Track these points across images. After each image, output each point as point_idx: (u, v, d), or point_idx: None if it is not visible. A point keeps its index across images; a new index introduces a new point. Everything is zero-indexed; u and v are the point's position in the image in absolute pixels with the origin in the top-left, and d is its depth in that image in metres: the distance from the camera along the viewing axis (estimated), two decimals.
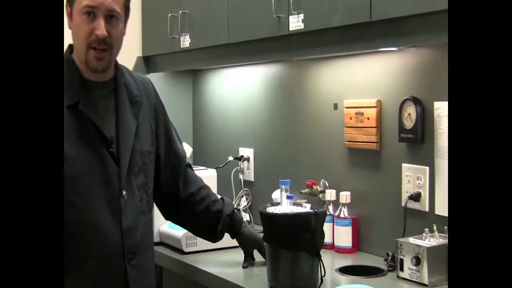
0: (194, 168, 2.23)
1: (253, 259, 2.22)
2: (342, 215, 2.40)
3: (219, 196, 2.19)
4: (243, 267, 2.18)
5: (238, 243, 2.22)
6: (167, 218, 2.18)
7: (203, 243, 2.32)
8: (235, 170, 2.99)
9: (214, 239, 2.18)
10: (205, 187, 2.16)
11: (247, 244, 2.20)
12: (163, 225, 2.49)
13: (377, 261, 2.22)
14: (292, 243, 1.91)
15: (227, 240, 2.22)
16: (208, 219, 2.12)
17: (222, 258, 2.31)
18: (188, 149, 2.80)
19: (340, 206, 2.41)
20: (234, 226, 2.16)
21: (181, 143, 2.12)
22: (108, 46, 1.76)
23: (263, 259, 2.18)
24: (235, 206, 2.42)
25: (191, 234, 2.29)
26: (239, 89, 3.08)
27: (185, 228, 2.21)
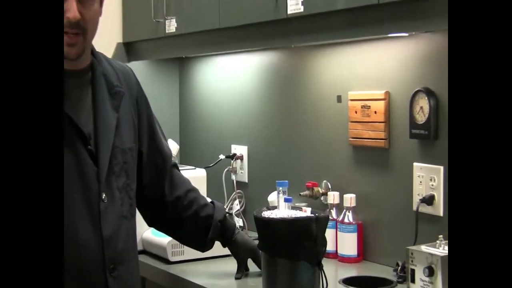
0: (180, 168, 2.22)
1: (247, 269, 2.22)
2: (346, 220, 2.40)
3: (209, 200, 2.18)
4: (236, 278, 2.18)
5: (231, 251, 2.21)
6: (150, 224, 2.17)
7: (191, 252, 2.32)
8: (227, 170, 2.99)
9: (203, 248, 2.17)
10: (193, 189, 2.16)
11: (240, 252, 2.20)
12: (146, 232, 2.49)
13: (386, 272, 2.23)
14: (290, 251, 1.92)
15: (218, 248, 2.22)
16: (196, 225, 2.12)
17: (213, 268, 2.31)
18: (174, 147, 2.79)
19: (344, 210, 2.41)
20: (226, 233, 2.16)
21: (166, 140, 2.11)
22: (81, 30, 1.74)
23: (258, 269, 2.18)
24: (227, 210, 2.42)
25: (177, 242, 2.28)
26: (231, 79, 3.08)
27: (170, 235, 2.21)
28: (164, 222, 2.14)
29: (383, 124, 2.33)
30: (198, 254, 2.29)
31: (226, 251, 2.23)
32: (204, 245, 2.16)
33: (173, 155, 2.78)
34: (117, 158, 1.83)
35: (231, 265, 2.24)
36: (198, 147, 3.31)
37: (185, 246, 2.32)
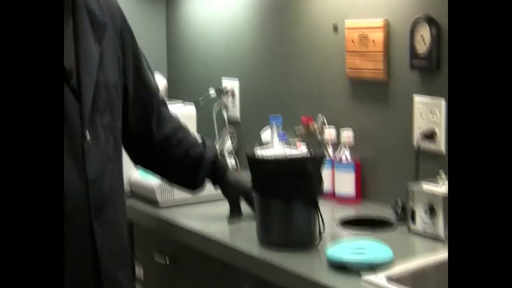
0: (168, 103, 2.21)
1: (241, 212, 2.22)
2: (343, 158, 2.40)
3: (199, 138, 2.17)
4: (229, 223, 2.18)
5: (222, 192, 2.22)
6: (137, 163, 2.16)
7: (181, 195, 2.33)
8: (217, 105, 2.98)
9: (193, 189, 2.18)
10: (183, 127, 2.15)
11: (232, 193, 2.20)
12: (134, 173, 2.49)
13: (385, 212, 2.23)
14: (284, 191, 1.92)
15: (209, 190, 2.22)
16: (186, 165, 2.13)
17: (204, 212, 2.32)
18: (161, 81, 2.78)
19: (341, 148, 2.41)
20: (217, 173, 2.16)
21: (153, 75, 2.09)
22: None
23: (251, 212, 2.18)
24: (218, 148, 2.41)
25: (167, 184, 2.28)
26: (221, 9, 3.06)
27: (159, 176, 2.21)
28: (152, 162, 2.14)
29: (381, 54, 2.31)
30: (188, 197, 2.30)
31: (218, 194, 2.23)
32: (194, 186, 2.17)
33: (160, 90, 2.77)
34: (101, 94, 1.81)
35: (223, 208, 2.24)
36: (186, 81, 3.30)
37: (175, 189, 2.33)
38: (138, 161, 2.15)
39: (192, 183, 2.16)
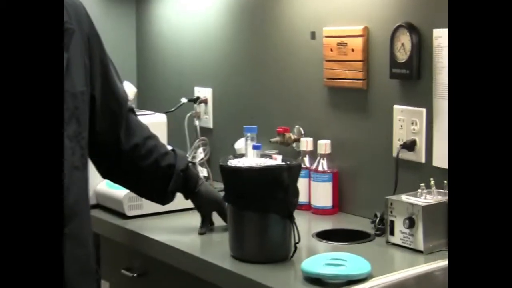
0: (138, 113, 2.22)
1: (212, 223, 2.24)
2: (320, 168, 2.42)
3: (169, 148, 2.19)
4: (200, 234, 2.20)
5: (194, 204, 2.23)
6: (105, 176, 2.17)
7: (150, 206, 2.33)
8: (190, 115, 2.99)
9: (163, 201, 2.19)
10: (153, 136, 2.16)
11: (204, 205, 2.22)
12: (100, 184, 2.49)
13: (363, 224, 2.25)
14: (259, 203, 1.92)
15: (180, 201, 2.22)
16: (156, 176, 2.13)
17: (174, 223, 2.33)
18: (131, 90, 2.78)
19: (318, 158, 2.43)
20: (188, 184, 2.17)
21: (122, 83, 2.10)
22: None
23: (224, 223, 2.20)
24: (189, 159, 2.43)
25: (135, 195, 2.29)
26: (194, 14, 3.06)
27: (127, 188, 2.21)
28: (120, 173, 2.14)
29: (361, 63, 2.33)
30: (157, 207, 2.29)
31: (189, 204, 2.24)
32: (164, 198, 2.17)
33: (129, 99, 2.78)
34: (67, 103, 1.81)
35: (194, 219, 2.25)
36: (157, 90, 3.29)
37: (143, 199, 2.33)
38: (106, 174, 2.16)
39: (162, 195, 2.16)
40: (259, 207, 1.93)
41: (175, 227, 2.29)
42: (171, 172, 2.13)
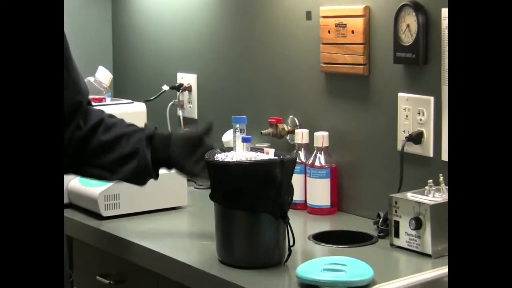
0: (115, 102, 2.21)
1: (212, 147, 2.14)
2: (317, 163, 2.42)
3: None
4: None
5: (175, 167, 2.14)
6: (70, 171, 2.14)
7: (128, 205, 2.34)
8: (172, 104, 3.00)
9: (141, 179, 2.12)
10: (111, 116, 2.16)
11: (182, 160, 2.11)
12: (72, 181, 2.49)
13: (364, 225, 2.26)
14: (249, 202, 1.93)
15: (161, 201, 2.22)
16: (123, 146, 2.09)
17: (155, 224, 2.33)
18: (106, 76, 2.78)
19: (315, 152, 2.43)
20: (160, 140, 2.10)
21: (81, 74, 2.10)
22: None
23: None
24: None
25: (111, 193, 2.30)
26: None
27: (95, 175, 2.13)
28: (86, 161, 2.10)
29: (361, 46, 2.34)
30: (136, 208, 2.30)
31: (171, 203, 2.23)
32: (141, 164, 2.08)
33: (104, 87, 2.77)
34: None
35: (177, 221, 2.26)
36: (136, 76, 3.30)
37: (121, 199, 2.33)
38: (70, 166, 2.12)
39: (137, 172, 2.10)
40: (249, 206, 1.93)
41: (156, 228, 2.30)
42: (137, 135, 2.09)
